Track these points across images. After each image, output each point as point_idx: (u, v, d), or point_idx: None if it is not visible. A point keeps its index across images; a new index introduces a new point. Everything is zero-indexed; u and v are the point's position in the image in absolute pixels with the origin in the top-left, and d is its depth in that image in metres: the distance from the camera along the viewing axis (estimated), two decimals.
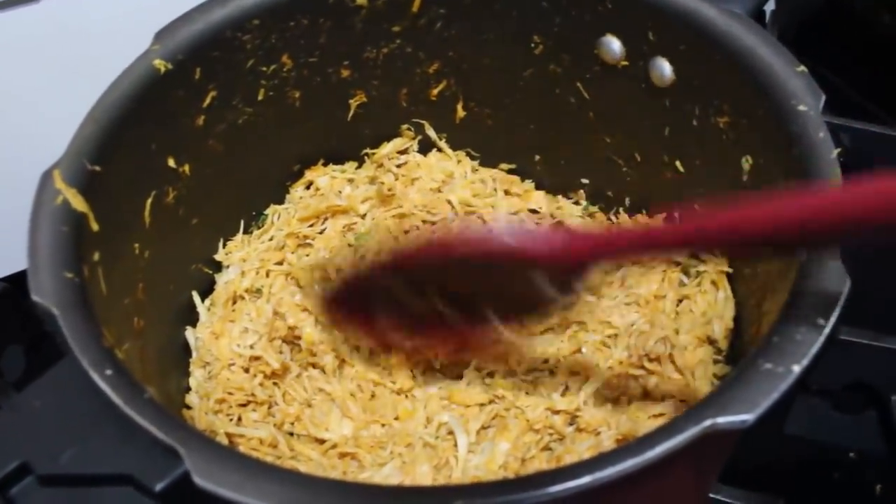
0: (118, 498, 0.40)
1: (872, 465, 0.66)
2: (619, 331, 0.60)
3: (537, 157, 0.71)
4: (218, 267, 0.67)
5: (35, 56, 0.66)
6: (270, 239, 0.67)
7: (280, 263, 0.66)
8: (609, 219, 0.69)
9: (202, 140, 0.60)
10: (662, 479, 0.41)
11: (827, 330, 0.40)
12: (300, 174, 0.70)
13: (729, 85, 0.54)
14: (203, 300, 0.65)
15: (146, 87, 0.54)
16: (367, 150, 0.71)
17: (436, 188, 0.69)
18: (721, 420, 0.37)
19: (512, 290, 0.48)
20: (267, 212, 0.69)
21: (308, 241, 0.67)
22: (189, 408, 0.60)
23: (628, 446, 0.37)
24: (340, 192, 0.69)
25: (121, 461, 0.39)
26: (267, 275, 0.66)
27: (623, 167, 0.67)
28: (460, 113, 0.70)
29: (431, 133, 0.71)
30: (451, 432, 0.57)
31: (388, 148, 0.70)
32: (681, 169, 0.62)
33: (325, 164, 0.70)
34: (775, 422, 0.60)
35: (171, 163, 0.58)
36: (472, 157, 0.72)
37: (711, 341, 0.59)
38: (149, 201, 0.56)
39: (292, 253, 0.66)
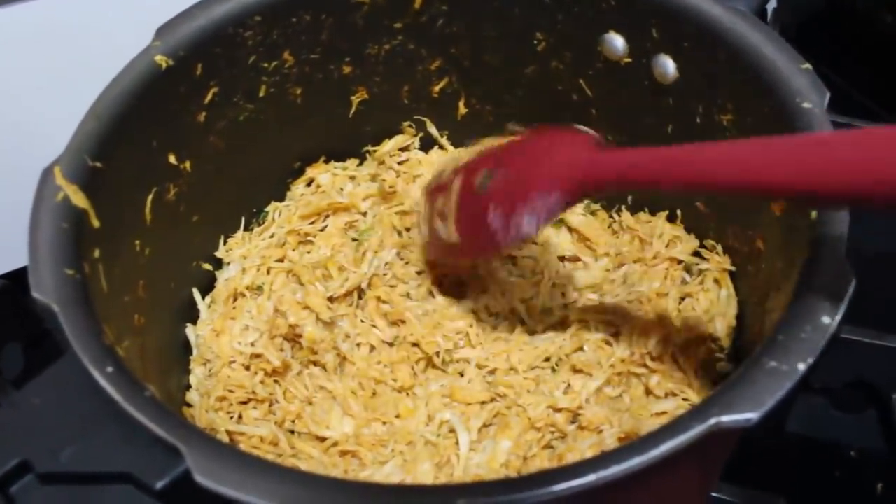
0: (118, 496, 0.39)
1: (873, 463, 0.66)
2: (622, 329, 0.59)
3: None
4: (219, 264, 0.66)
5: (36, 52, 0.66)
6: (271, 236, 0.67)
7: (281, 261, 0.66)
8: (611, 216, 0.69)
9: (203, 137, 0.60)
10: (666, 478, 0.41)
11: (832, 328, 0.40)
12: (301, 171, 0.70)
13: (733, 82, 0.54)
14: (204, 297, 0.65)
15: (147, 83, 0.54)
16: (369, 148, 0.71)
17: None
18: (726, 418, 0.37)
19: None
20: (268, 209, 0.69)
21: (309, 238, 0.67)
22: (189, 405, 0.60)
23: (633, 445, 0.36)
24: (342, 189, 0.68)
25: (121, 459, 0.39)
26: (268, 272, 0.65)
27: None
28: (462, 110, 0.70)
29: (433, 130, 0.71)
30: (452, 430, 0.56)
31: (389, 145, 0.70)
32: None
33: (326, 161, 0.70)
34: (776, 420, 0.60)
35: (172, 159, 0.58)
36: None
37: (714, 339, 0.59)
38: (150, 198, 0.56)
39: (293, 250, 0.66)
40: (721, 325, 0.59)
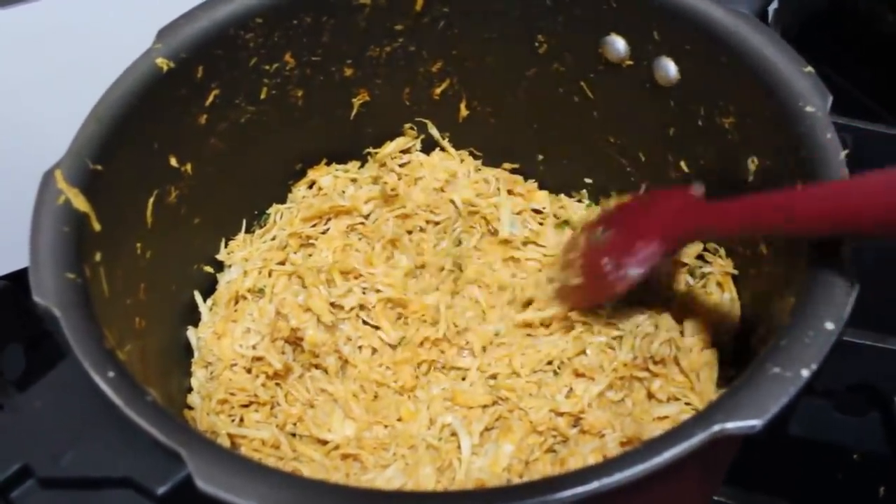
0: (119, 501, 0.39)
1: (876, 466, 0.66)
2: (624, 332, 0.59)
3: (540, 157, 0.71)
4: (220, 266, 0.66)
5: (37, 54, 0.66)
6: (272, 238, 0.67)
7: (283, 263, 0.66)
8: None
9: (204, 139, 0.60)
10: (669, 484, 0.41)
11: (836, 334, 0.40)
12: (303, 173, 0.70)
13: (735, 85, 0.54)
14: (205, 300, 0.65)
15: (148, 85, 0.54)
16: (370, 150, 0.71)
17: (439, 188, 0.69)
18: (730, 425, 0.37)
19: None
20: (269, 211, 0.69)
21: (311, 241, 0.67)
22: (191, 408, 0.60)
23: (636, 451, 0.36)
24: (343, 191, 0.68)
25: (122, 464, 0.39)
26: (269, 274, 0.65)
27: (627, 167, 0.66)
28: (463, 112, 0.70)
29: (434, 132, 0.71)
30: (454, 434, 0.56)
31: (390, 147, 0.70)
32: (685, 169, 0.61)
33: (327, 164, 0.70)
34: (779, 423, 0.60)
35: (174, 162, 0.58)
36: (475, 157, 0.72)
37: (717, 343, 0.58)
38: (151, 200, 0.56)
39: (295, 253, 0.66)
40: (724, 328, 0.59)
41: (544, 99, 0.66)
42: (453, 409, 0.58)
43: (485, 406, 0.57)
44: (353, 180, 0.69)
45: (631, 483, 0.36)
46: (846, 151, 0.48)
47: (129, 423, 0.39)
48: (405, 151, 0.71)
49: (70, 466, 0.40)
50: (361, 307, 0.62)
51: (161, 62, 0.54)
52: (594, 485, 0.35)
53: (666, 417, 0.55)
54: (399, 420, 0.58)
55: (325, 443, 0.57)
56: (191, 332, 0.63)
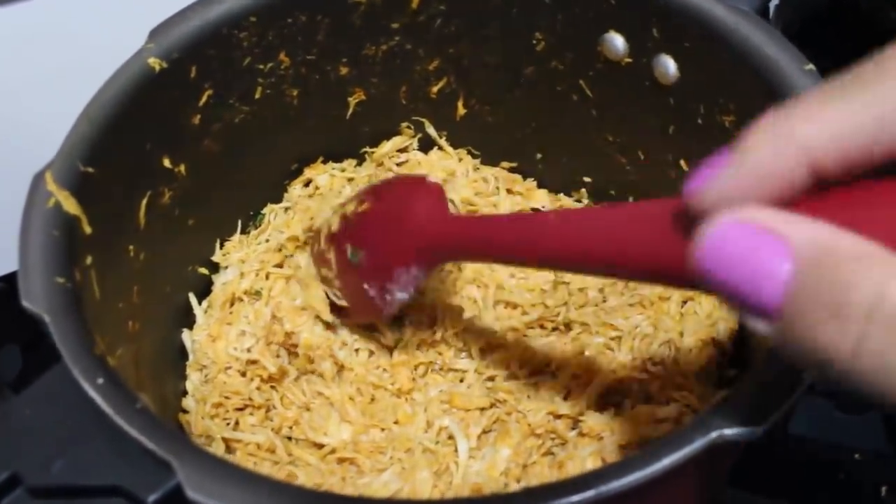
0: None
1: (878, 465, 0.65)
2: (623, 333, 0.59)
3: (539, 156, 0.70)
4: (214, 268, 0.66)
5: (27, 54, 0.65)
6: (267, 240, 0.66)
7: (280, 266, 0.65)
8: None
9: (198, 140, 0.59)
10: (667, 490, 0.40)
11: None
12: (299, 174, 0.69)
13: (735, 83, 0.53)
14: (200, 302, 0.64)
15: (140, 86, 0.53)
16: (367, 149, 0.70)
17: None
18: (729, 431, 0.36)
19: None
20: (264, 211, 0.68)
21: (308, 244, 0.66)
22: (186, 412, 0.59)
23: (633, 459, 0.36)
24: (341, 191, 0.68)
25: (112, 473, 0.38)
26: (267, 277, 0.65)
27: (626, 166, 0.66)
28: (461, 110, 0.69)
29: (432, 131, 0.70)
30: (451, 437, 0.56)
31: (387, 146, 0.69)
32: (686, 168, 0.61)
33: (324, 162, 0.69)
34: (780, 422, 0.60)
35: (167, 163, 0.57)
36: (473, 156, 0.71)
37: (717, 344, 0.58)
38: (144, 202, 0.55)
39: (291, 255, 0.65)
40: (724, 329, 0.58)
41: (543, 97, 0.66)
42: (451, 412, 0.57)
43: (482, 409, 0.57)
44: (350, 180, 0.69)
45: (629, 490, 0.35)
46: None
47: (119, 430, 0.38)
48: (402, 150, 0.70)
49: (60, 474, 0.39)
50: None
51: (153, 62, 0.54)
52: (591, 493, 0.35)
53: (665, 420, 0.54)
54: (396, 423, 0.57)
55: (321, 446, 0.56)
56: (185, 335, 0.62)
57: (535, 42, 0.63)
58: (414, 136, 0.71)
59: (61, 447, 0.40)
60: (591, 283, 0.62)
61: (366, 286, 0.56)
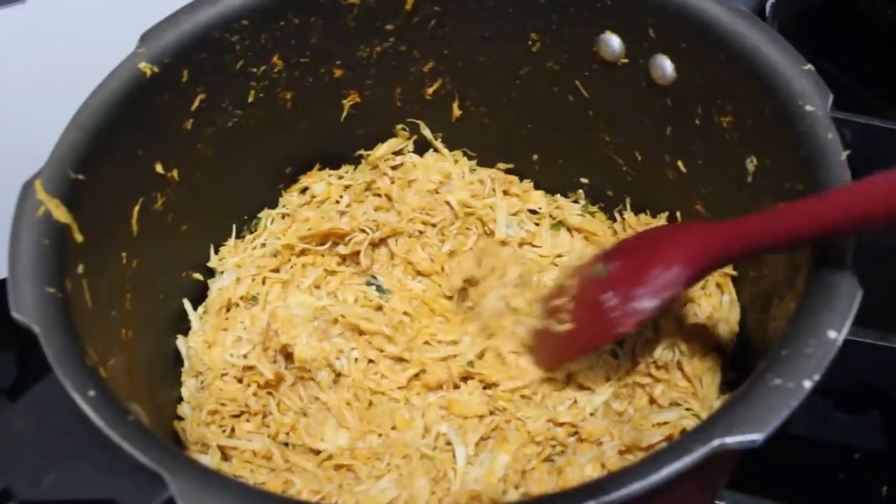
0: None
1: (878, 465, 0.65)
2: (626, 337, 0.58)
3: (535, 157, 0.70)
4: (209, 273, 0.65)
5: (16, 60, 0.64)
6: (263, 244, 0.66)
7: (276, 270, 0.65)
8: (611, 218, 0.68)
9: (191, 144, 0.59)
10: (668, 498, 0.39)
11: (839, 343, 0.39)
12: (293, 177, 0.68)
13: (733, 83, 0.53)
14: (195, 308, 0.63)
15: (132, 91, 0.53)
16: (362, 152, 0.69)
17: (433, 189, 0.68)
18: (730, 440, 0.36)
19: None
20: (260, 215, 0.68)
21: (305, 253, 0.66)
22: (181, 419, 0.59)
23: (633, 468, 0.35)
24: (339, 200, 0.67)
25: (104, 486, 0.38)
26: (263, 282, 0.64)
27: (623, 167, 0.65)
28: (456, 112, 0.68)
29: (427, 133, 0.70)
30: (449, 443, 0.55)
31: (383, 149, 0.69)
32: (683, 169, 0.60)
33: (320, 168, 0.69)
34: None
35: (159, 168, 0.56)
36: (469, 157, 0.71)
37: (717, 346, 0.57)
38: (136, 209, 0.55)
39: (288, 262, 0.65)
40: (724, 331, 0.58)
41: (539, 98, 0.65)
42: (448, 419, 0.56)
43: (481, 416, 0.56)
44: (347, 187, 0.68)
45: (630, 500, 0.35)
46: (848, 151, 0.46)
47: (111, 443, 0.38)
48: (398, 153, 0.70)
49: (51, 488, 0.39)
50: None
51: (144, 67, 0.53)
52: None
53: (666, 423, 0.54)
54: (393, 428, 0.57)
55: (318, 452, 0.56)
56: (180, 341, 0.62)
57: (530, 43, 0.62)
58: (409, 139, 0.70)
59: (53, 460, 0.39)
60: None
61: (607, 295, 0.51)
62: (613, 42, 0.59)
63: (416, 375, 0.59)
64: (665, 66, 0.57)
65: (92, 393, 0.39)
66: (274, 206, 0.68)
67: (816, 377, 0.38)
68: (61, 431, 0.40)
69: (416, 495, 0.52)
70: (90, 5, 0.65)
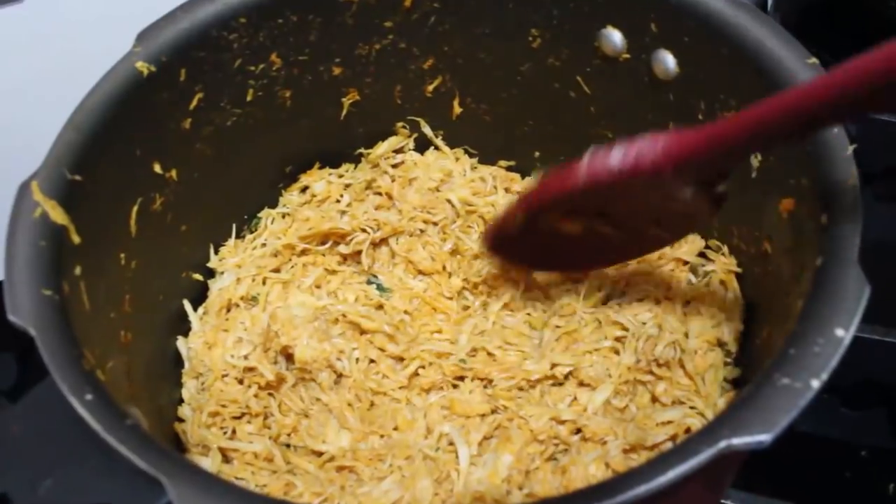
0: None
1: (885, 463, 0.65)
2: (628, 334, 0.58)
3: (537, 154, 0.69)
4: (209, 273, 0.65)
5: (13, 60, 0.64)
6: (264, 244, 0.65)
7: (277, 270, 0.64)
8: None
9: (189, 144, 0.58)
10: (673, 499, 0.39)
11: (847, 341, 0.38)
12: (293, 176, 0.68)
13: (736, 78, 0.52)
14: (195, 308, 0.63)
15: (129, 90, 0.52)
16: (362, 150, 0.69)
17: (434, 187, 0.67)
18: (736, 441, 0.35)
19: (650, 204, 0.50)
20: (260, 215, 0.68)
21: (306, 253, 0.65)
22: (182, 420, 0.58)
23: (639, 470, 0.35)
24: (339, 199, 0.67)
25: (102, 491, 0.38)
26: (263, 282, 0.64)
27: None
28: (457, 109, 0.68)
29: (427, 130, 0.69)
30: (451, 443, 0.55)
31: (383, 147, 0.69)
32: None
33: (320, 166, 0.69)
34: None
35: (158, 168, 0.56)
36: (470, 155, 0.70)
37: (721, 343, 0.57)
38: (134, 209, 0.54)
39: (288, 262, 0.64)
40: (728, 328, 0.57)
41: (539, 94, 0.65)
42: (451, 418, 0.56)
43: (483, 415, 0.56)
44: (347, 186, 0.68)
45: (635, 503, 0.34)
46: (853, 146, 0.46)
47: (108, 448, 0.37)
48: (398, 151, 0.70)
49: (49, 494, 0.38)
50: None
51: (141, 66, 0.53)
52: None
53: (670, 422, 0.54)
54: (395, 429, 0.57)
55: (319, 454, 0.56)
56: (181, 342, 0.61)
57: (530, 39, 0.62)
58: (410, 136, 0.70)
59: (50, 465, 0.39)
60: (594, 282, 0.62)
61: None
62: (615, 37, 0.59)
63: (416, 373, 0.58)
64: (667, 60, 0.56)
65: (89, 396, 0.39)
66: (274, 205, 0.68)
67: (824, 376, 0.37)
68: (59, 435, 0.40)
69: (419, 497, 0.52)
70: (88, 5, 0.65)
